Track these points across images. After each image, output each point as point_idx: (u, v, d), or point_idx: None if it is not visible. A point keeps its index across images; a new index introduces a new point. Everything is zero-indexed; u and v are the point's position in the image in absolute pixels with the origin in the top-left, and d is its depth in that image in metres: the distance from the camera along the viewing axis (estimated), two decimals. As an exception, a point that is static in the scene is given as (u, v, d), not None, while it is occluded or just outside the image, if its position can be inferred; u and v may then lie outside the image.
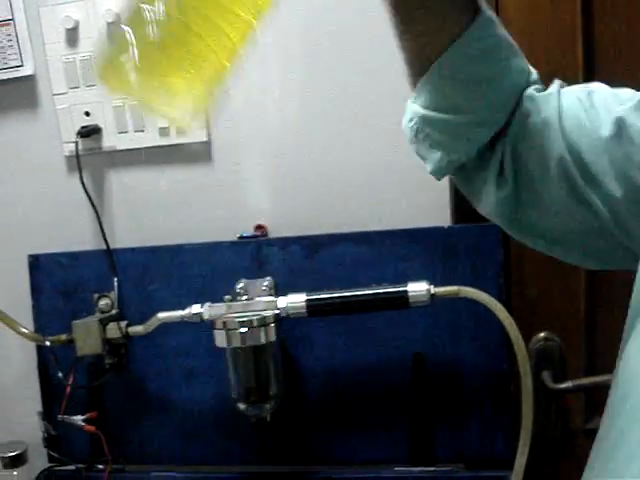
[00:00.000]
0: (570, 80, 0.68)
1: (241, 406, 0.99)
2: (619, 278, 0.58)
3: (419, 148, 0.70)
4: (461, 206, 1.10)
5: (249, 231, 1.09)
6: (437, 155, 0.68)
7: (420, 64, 0.67)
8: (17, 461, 1.14)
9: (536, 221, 0.67)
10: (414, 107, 0.69)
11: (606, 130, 0.59)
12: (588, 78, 1.05)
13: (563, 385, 1.09)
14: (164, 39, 0.54)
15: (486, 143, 0.67)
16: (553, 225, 0.66)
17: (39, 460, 1.18)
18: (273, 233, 1.11)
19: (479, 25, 0.64)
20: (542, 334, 1.14)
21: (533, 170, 0.64)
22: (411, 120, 0.69)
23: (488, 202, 0.68)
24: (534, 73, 0.68)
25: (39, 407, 1.19)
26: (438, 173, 0.69)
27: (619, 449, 0.51)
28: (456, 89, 0.66)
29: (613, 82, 0.64)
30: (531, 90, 0.66)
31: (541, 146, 0.63)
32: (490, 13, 0.65)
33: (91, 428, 1.10)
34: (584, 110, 0.62)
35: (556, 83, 0.67)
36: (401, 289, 0.94)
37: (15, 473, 1.15)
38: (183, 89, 0.56)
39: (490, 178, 0.67)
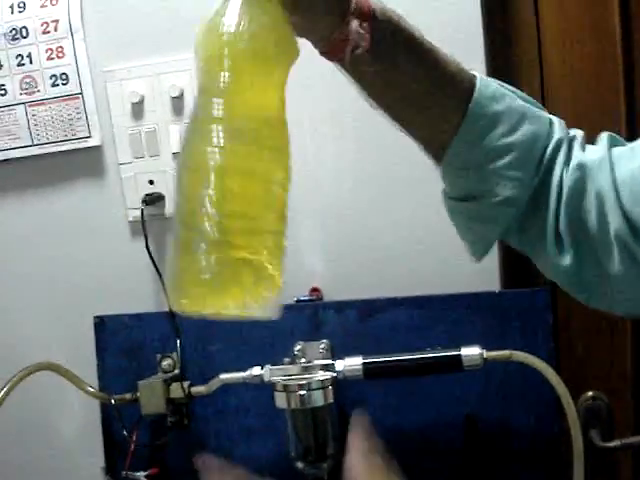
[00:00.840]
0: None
1: (299, 465, 1.02)
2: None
3: (457, 230, 0.73)
4: (510, 270, 1.13)
5: (305, 294, 1.13)
6: (470, 239, 0.71)
7: (433, 153, 0.70)
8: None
9: (600, 288, 0.67)
10: (443, 194, 0.72)
11: None
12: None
13: (612, 444, 1.11)
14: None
15: (527, 214, 0.67)
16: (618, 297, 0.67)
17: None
18: (327, 296, 1.14)
19: (474, 108, 0.65)
20: (590, 393, 1.15)
21: (592, 240, 0.64)
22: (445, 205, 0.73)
23: (548, 267, 0.69)
24: (556, 126, 0.68)
25: (101, 463, 1.21)
26: (476, 254, 0.72)
27: None
28: (470, 177, 0.68)
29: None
30: (576, 151, 0.66)
31: (598, 215, 0.63)
32: (487, 88, 0.66)
33: (153, 484, 1.15)
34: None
35: (604, 139, 0.67)
36: (455, 353, 0.97)
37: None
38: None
39: (549, 247, 0.67)
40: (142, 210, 1.16)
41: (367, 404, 1.08)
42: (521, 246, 0.72)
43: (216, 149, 0.55)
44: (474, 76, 0.67)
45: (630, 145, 0.66)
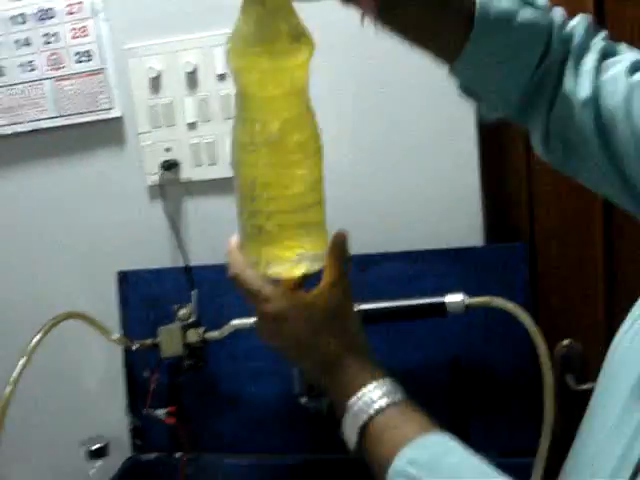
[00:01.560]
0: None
1: (302, 400, 1.14)
2: (636, 287, 0.64)
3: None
4: (492, 226, 1.24)
5: (308, 251, 1.24)
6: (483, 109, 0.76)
7: (441, 61, 0.72)
8: (100, 453, 1.27)
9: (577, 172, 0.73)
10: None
11: None
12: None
13: (585, 386, 1.21)
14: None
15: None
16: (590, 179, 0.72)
17: (119, 452, 1.32)
18: (328, 252, 1.25)
19: (477, 36, 0.66)
20: (565, 341, 1.25)
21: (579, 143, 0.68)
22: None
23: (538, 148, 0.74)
24: (557, 17, 0.69)
25: (121, 405, 1.33)
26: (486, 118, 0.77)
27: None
28: (472, 84, 0.73)
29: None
30: (593, 56, 0.67)
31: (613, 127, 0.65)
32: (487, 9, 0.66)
33: (171, 420, 1.25)
34: None
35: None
36: (440, 300, 1.09)
37: (98, 464, 1.28)
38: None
39: (536, 136, 0.72)
40: (160, 175, 1.27)
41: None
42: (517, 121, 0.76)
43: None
44: None
45: None
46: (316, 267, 0.73)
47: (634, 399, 0.56)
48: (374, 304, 1.10)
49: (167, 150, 1.29)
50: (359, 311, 1.08)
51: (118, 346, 1.28)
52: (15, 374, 1.06)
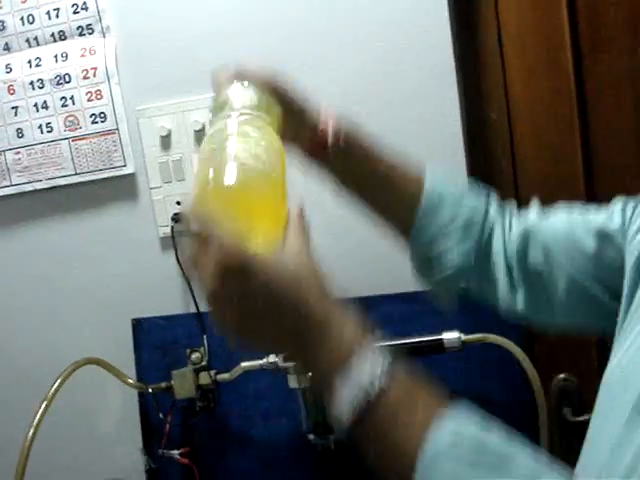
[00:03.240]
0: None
1: (310, 437, 1.20)
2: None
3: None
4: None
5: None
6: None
7: (394, 228, 0.87)
8: (117, 495, 1.34)
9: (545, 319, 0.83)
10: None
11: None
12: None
13: (581, 418, 1.24)
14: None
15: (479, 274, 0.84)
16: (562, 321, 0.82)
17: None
18: (331, 295, 1.31)
19: (423, 214, 0.82)
20: (562, 375, 1.28)
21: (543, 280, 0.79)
22: None
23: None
24: (492, 205, 0.85)
25: (136, 447, 1.38)
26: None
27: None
28: (433, 245, 0.85)
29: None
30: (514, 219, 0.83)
31: (545, 258, 0.79)
32: (433, 191, 0.82)
33: (185, 461, 1.30)
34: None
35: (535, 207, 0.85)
36: (437, 337, 1.15)
37: (115, 506, 1.35)
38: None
39: (502, 296, 0.84)
40: (172, 227, 1.34)
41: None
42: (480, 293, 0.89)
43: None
44: (422, 180, 0.84)
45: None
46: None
47: (636, 416, 0.55)
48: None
49: (178, 203, 1.36)
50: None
51: (134, 390, 1.34)
52: (37, 418, 1.12)
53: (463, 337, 1.14)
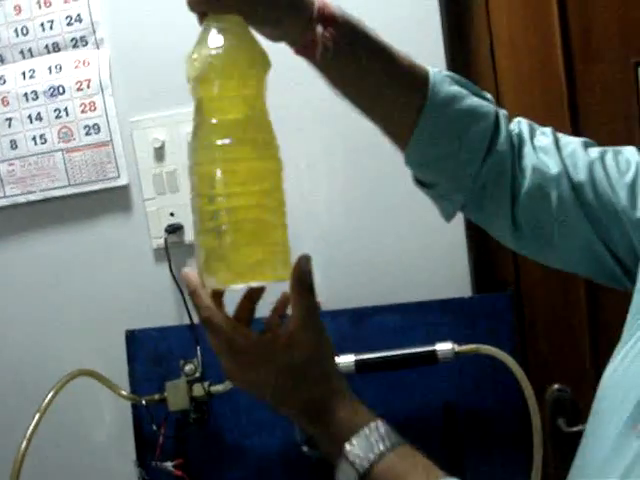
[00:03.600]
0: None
1: (304, 449, 1.19)
2: (619, 335, 0.68)
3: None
4: (479, 278, 1.31)
5: (305, 306, 1.30)
6: (438, 207, 0.82)
7: (394, 140, 0.78)
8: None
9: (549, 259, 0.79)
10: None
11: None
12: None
13: (575, 428, 1.25)
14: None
15: (481, 199, 0.76)
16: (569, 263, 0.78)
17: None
18: (324, 306, 1.30)
19: (429, 111, 0.73)
20: (555, 386, 1.29)
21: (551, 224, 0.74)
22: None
23: (505, 240, 0.79)
24: (502, 122, 0.76)
25: (130, 459, 1.36)
26: (445, 217, 0.81)
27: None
28: (426, 171, 0.78)
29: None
30: (526, 141, 0.75)
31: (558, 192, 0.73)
32: (440, 87, 0.73)
33: (179, 473, 1.29)
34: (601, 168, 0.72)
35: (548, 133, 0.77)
36: (430, 348, 1.15)
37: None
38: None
39: (505, 227, 0.77)
40: (165, 239, 1.34)
41: (359, 395, 1.25)
42: (477, 222, 0.83)
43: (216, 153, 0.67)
44: (428, 72, 0.75)
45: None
46: (280, 276, 0.68)
47: (629, 427, 0.57)
48: (367, 355, 1.16)
49: (171, 215, 1.36)
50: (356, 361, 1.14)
51: (127, 401, 1.33)
52: (30, 430, 1.12)
53: (456, 348, 1.14)
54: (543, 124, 1.21)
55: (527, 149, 0.76)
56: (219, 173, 0.66)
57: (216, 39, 0.68)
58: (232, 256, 0.66)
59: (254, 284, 0.70)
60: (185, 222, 1.36)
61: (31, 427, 1.13)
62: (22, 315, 1.46)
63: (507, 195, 0.76)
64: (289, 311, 0.70)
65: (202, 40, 0.69)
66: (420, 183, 0.81)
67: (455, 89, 0.75)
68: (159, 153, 1.36)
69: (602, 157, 0.74)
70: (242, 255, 0.66)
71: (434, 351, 1.14)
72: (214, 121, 0.68)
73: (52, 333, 1.45)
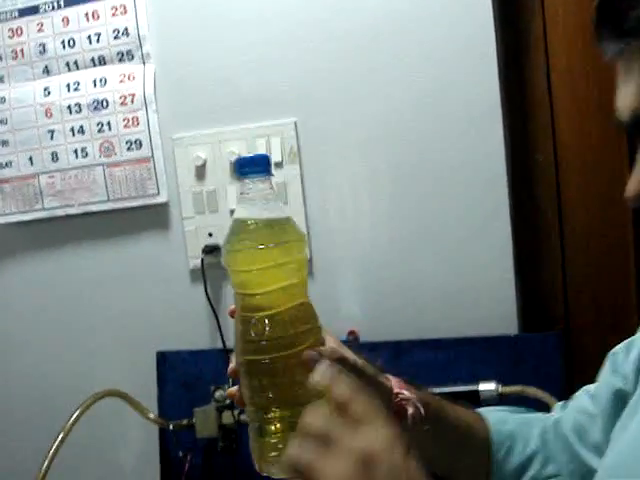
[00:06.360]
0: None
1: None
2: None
3: None
4: (527, 315, 1.25)
5: (343, 336, 1.25)
6: None
7: None
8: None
9: None
10: None
11: None
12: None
13: None
14: None
15: None
16: None
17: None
18: (363, 337, 1.27)
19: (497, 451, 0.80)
20: None
21: None
22: None
23: None
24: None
25: None
26: None
27: None
28: None
29: None
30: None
31: None
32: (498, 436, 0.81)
33: (204, 503, 1.27)
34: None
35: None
36: (473, 388, 1.10)
37: None
38: None
39: None
40: (202, 259, 1.31)
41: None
42: None
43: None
44: (484, 419, 0.83)
45: None
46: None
47: None
48: (407, 391, 1.11)
49: (210, 235, 1.33)
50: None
51: (154, 425, 1.30)
52: (52, 449, 1.09)
53: (500, 389, 1.08)
54: (600, 161, 1.16)
55: None
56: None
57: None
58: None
59: None
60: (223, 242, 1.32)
61: (54, 447, 1.09)
62: (53, 330, 1.45)
63: None
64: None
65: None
66: None
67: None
68: (200, 171, 1.33)
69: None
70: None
71: (477, 391, 1.09)
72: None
73: (82, 350, 1.43)
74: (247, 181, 0.66)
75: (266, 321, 0.65)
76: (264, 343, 0.64)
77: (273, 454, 0.66)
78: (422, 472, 0.57)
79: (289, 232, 0.67)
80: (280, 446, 0.65)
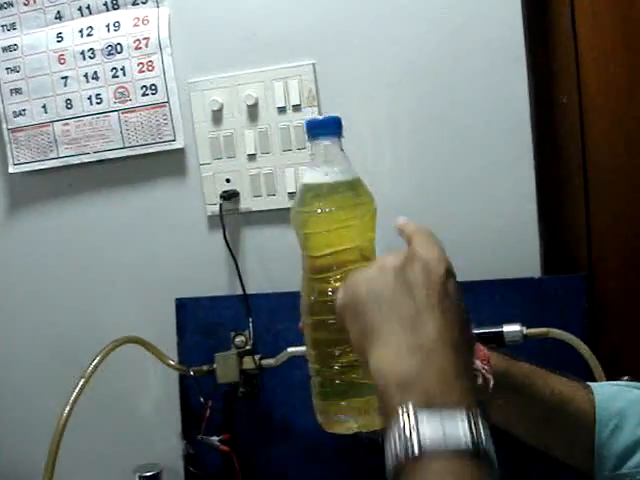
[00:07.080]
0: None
1: (357, 429, 1.14)
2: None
3: None
4: (550, 258, 1.24)
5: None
6: None
7: (578, 464, 0.79)
8: (154, 480, 1.28)
9: None
10: None
11: None
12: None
13: None
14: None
15: None
16: None
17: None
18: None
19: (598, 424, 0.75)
20: (625, 378, 1.24)
21: None
22: None
23: None
24: None
25: (175, 432, 1.34)
26: None
27: None
28: None
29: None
30: None
31: None
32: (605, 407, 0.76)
33: (225, 448, 1.25)
34: None
35: None
36: (498, 330, 1.09)
37: (151, 491, 1.28)
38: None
39: None
40: (220, 205, 1.29)
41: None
42: None
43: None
44: (591, 393, 0.78)
45: None
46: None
47: None
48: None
49: (227, 181, 1.32)
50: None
51: (174, 372, 1.30)
52: (74, 395, 1.09)
53: (525, 330, 1.07)
54: (625, 102, 1.13)
55: None
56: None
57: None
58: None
59: None
60: (241, 189, 1.31)
61: (75, 393, 1.09)
62: (71, 278, 1.44)
63: None
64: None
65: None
66: None
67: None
68: (217, 116, 1.31)
69: None
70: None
71: (502, 333, 1.08)
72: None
73: (101, 298, 1.43)
74: (317, 142, 0.67)
75: (332, 281, 0.66)
76: (331, 303, 0.64)
77: (339, 409, 0.68)
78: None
79: (359, 194, 0.69)
80: (343, 403, 0.67)
